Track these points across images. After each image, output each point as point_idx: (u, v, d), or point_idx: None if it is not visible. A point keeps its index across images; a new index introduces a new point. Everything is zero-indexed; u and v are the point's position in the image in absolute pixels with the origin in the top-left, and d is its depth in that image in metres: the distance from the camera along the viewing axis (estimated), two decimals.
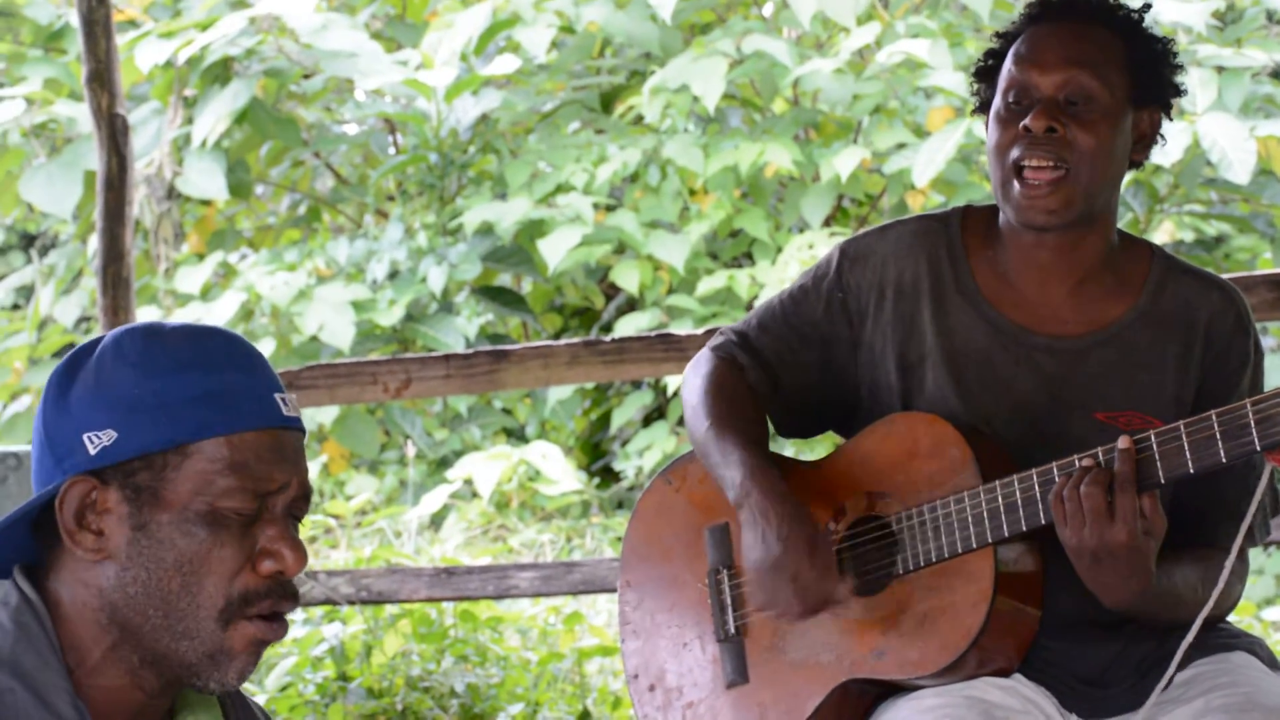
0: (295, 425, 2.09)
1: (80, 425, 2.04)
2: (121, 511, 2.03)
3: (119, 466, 2.03)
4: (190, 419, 2.03)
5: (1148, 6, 3.08)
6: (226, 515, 2.03)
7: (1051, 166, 2.96)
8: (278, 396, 2.08)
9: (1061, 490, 2.83)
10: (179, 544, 2.02)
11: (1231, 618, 3.09)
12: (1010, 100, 3.01)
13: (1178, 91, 3.07)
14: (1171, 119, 3.09)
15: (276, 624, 2.07)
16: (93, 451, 2.03)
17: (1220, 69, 8.73)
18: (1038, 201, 2.96)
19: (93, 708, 2.03)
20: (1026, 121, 2.96)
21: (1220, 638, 3.02)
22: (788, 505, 2.97)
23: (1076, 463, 2.84)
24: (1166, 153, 8.25)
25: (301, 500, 2.09)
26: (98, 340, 2.10)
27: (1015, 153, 2.98)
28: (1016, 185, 2.98)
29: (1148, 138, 3.06)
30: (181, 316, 9.80)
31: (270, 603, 2.05)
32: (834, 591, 2.97)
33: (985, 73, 3.09)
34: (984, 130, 3.08)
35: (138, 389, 2.04)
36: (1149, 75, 3.03)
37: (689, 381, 3.18)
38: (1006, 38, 3.07)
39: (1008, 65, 3.03)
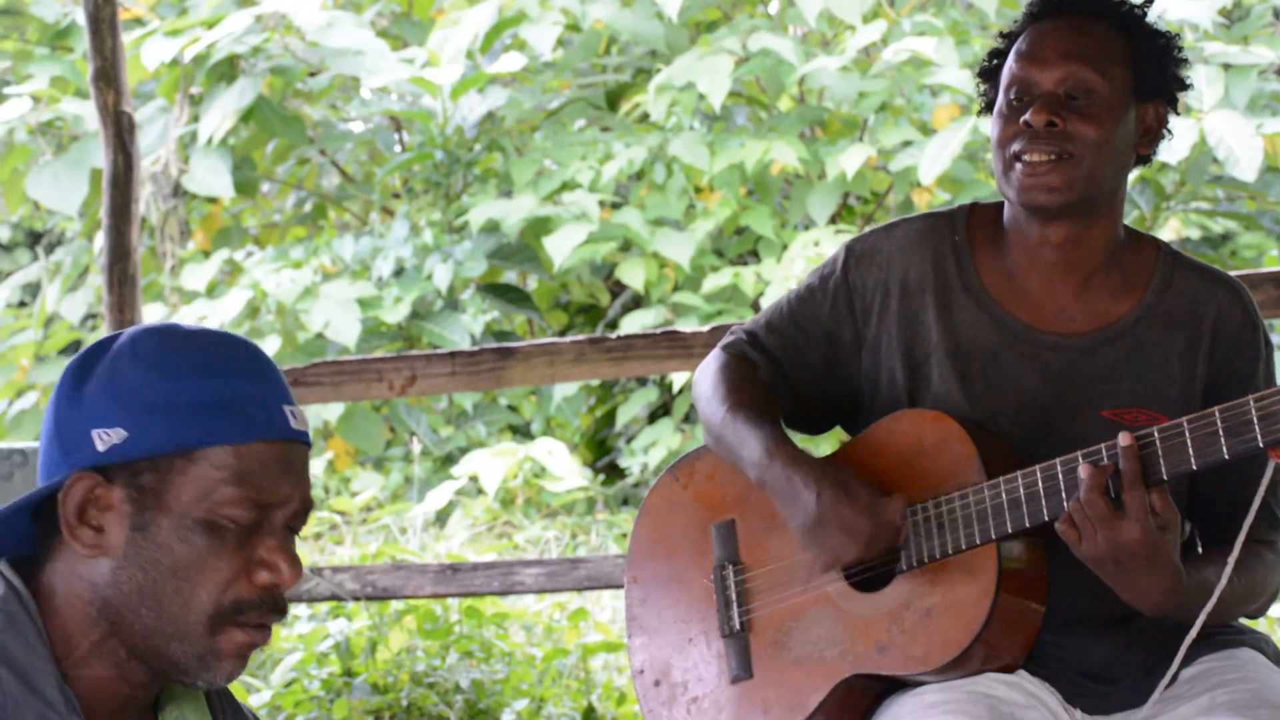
0: (302, 439, 2.09)
1: (91, 421, 2.04)
2: (123, 510, 2.04)
3: (125, 465, 2.03)
4: (200, 425, 2.03)
5: (1150, 1, 3.08)
6: (225, 524, 2.04)
7: (1051, 159, 2.96)
8: (287, 409, 2.08)
9: (1066, 510, 2.83)
10: (176, 549, 2.03)
11: None
12: (1012, 97, 3.02)
13: (1183, 85, 3.07)
14: (1178, 113, 3.09)
15: (264, 631, 2.08)
16: (101, 448, 2.03)
17: (1227, 66, 8.72)
18: (1039, 179, 2.96)
19: (79, 696, 2.04)
20: (1027, 116, 2.97)
21: (1226, 634, 3.02)
22: (812, 462, 2.97)
23: (1080, 459, 2.84)
24: (1173, 150, 8.25)
25: (302, 514, 2.09)
26: (115, 336, 2.10)
27: (1016, 146, 2.99)
28: (1018, 166, 2.98)
29: (1154, 131, 3.06)
30: (187, 313, 9.81)
31: (259, 614, 2.06)
32: (892, 518, 2.93)
33: (989, 72, 3.10)
34: (990, 129, 3.09)
35: (151, 390, 2.04)
36: (1152, 69, 3.03)
37: (701, 377, 3.19)
38: (1009, 37, 3.09)
39: (1009, 63, 3.04)
